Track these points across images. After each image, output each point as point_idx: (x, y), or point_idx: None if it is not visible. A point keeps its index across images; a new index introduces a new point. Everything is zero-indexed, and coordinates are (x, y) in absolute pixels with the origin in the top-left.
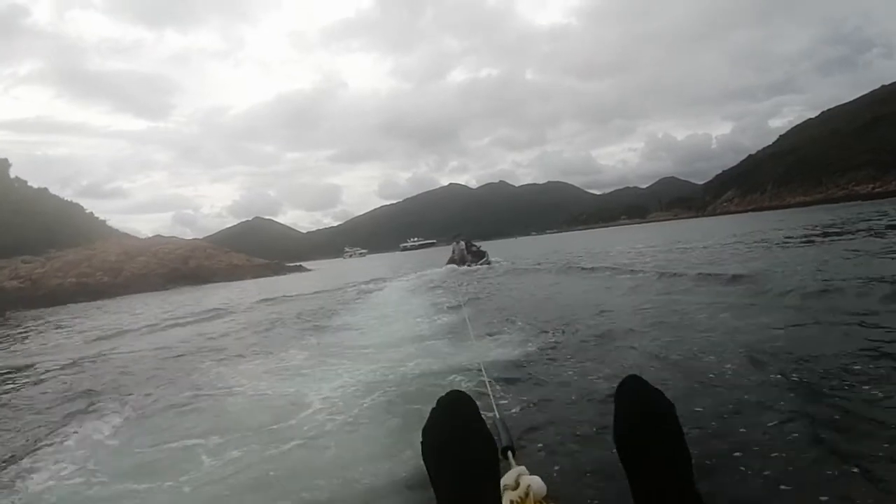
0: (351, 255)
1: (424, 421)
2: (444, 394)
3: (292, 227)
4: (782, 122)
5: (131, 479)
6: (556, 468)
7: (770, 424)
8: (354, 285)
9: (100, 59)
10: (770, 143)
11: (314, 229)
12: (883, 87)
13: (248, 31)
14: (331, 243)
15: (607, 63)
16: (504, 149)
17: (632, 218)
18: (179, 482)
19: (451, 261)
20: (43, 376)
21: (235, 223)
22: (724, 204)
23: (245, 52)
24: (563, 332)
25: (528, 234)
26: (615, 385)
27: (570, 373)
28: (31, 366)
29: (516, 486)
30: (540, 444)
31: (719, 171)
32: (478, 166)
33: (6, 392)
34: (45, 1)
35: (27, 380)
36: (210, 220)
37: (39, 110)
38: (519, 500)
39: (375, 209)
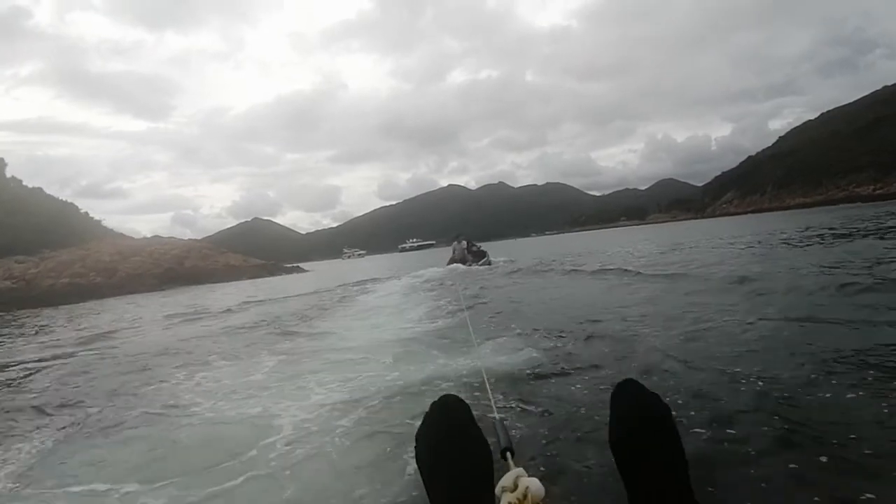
0: (350, 257)
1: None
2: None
3: (291, 227)
4: (782, 123)
5: None
6: (555, 470)
7: (768, 428)
8: (353, 285)
9: (100, 61)
10: (770, 144)
11: (313, 230)
12: (885, 87)
13: (248, 32)
14: (330, 244)
15: (608, 65)
16: (504, 150)
17: (631, 219)
18: None
19: (453, 260)
20: None
21: (235, 224)
22: (724, 205)
23: (245, 53)
24: (564, 333)
25: (528, 236)
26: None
27: (571, 375)
28: None
29: (515, 487)
30: (539, 446)
31: (719, 173)
32: (477, 167)
33: None
34: (46, 3)
35: None
36: (209, 220)
37: (41, 111)
38: (517, 502)
39: (375, 210)
